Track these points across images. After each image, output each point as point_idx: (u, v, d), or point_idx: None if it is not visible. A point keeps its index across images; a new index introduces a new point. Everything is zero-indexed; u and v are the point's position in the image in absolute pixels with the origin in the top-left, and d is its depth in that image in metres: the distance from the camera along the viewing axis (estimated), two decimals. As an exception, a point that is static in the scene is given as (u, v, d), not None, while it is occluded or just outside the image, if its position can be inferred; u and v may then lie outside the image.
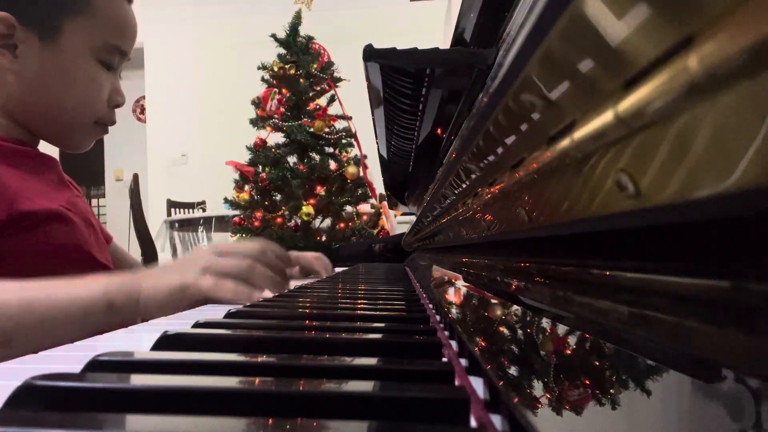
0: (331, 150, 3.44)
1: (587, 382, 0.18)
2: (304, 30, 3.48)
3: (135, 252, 2.99)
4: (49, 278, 0.52)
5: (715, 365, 0.12)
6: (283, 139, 3.40)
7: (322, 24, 4.12)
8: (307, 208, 3.18)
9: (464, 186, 0.44)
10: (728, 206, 0.11)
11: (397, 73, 0.56)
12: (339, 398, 0.20)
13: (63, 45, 0.73)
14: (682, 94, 0.11)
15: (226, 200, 3.46)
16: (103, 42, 0.75)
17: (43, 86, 0.73)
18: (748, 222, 0.12)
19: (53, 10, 0.72)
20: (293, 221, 3.26)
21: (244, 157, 3.41)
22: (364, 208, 3.40)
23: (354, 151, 3.46)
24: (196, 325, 0.36)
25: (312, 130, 3.33)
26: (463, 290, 0.50)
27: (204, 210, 4.87)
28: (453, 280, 0.58)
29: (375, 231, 3.32)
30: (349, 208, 3.32)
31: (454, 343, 0.33)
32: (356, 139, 3.46)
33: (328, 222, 3.33)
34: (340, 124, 3.47)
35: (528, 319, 0.28)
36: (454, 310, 0.43)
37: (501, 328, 0.31)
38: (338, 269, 1.18)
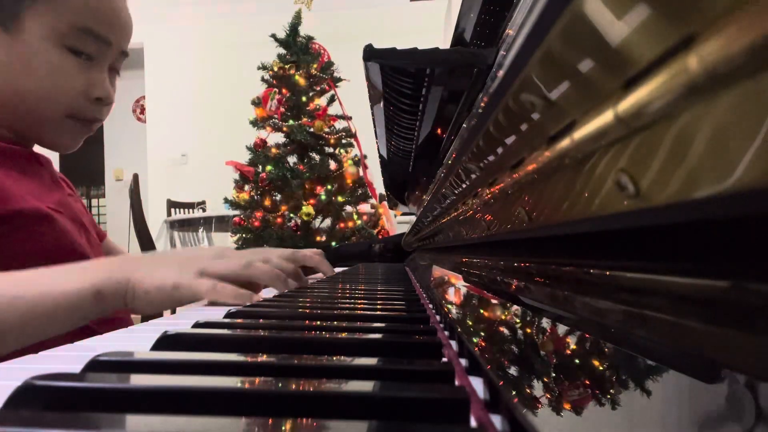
0: (331, 150, 3.44)
1: (587, 382, 0.18)
2: (304, 30, 3.49)
3: (135, 252, 2.99)
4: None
5: (715, 365, 0.12)
6: (283, 139, 3.41)
7: (322, 24, 4.13)
8: (307, 208, 3.18)
9: (464, 186, 0.44)
10: (728, 206, 0.11)
11: (397, 73, 0.56)
12: (339, 398, 0.20)
13: (24, 33, 0.68)
14: (681, 94, 0.11)
15: (226, 200, 3.46)
16: (69, 26, 0.69)
17: (8, 79, 0.69)
18: (748, 222, 0.12)
19: None
20: (293, 221, 3.27)
21: (244, 157, 3.42)
22: (364, 208, 3.41)
23: (354, 151, 3.46)
24: (196, 325, 0.36)
25: (312, 130, 3.33)
26: (463, 290, 0.50)
27: (204, 210, 4.87)
28: (453, 280, 0.58)
29: (375, 231, 3.32)
30: (349, 208, 3.33)
31: (454, 343, 0.33)
32: (356, 139, 3.47)
33: (328, 222, 3.33)
34: (340, 124, 3.48)
35: (528, 319, 0.28)
36: (454, 310, 0.42)
37: (501, 328, 0.31)
38: (338, 269, 1.18)
